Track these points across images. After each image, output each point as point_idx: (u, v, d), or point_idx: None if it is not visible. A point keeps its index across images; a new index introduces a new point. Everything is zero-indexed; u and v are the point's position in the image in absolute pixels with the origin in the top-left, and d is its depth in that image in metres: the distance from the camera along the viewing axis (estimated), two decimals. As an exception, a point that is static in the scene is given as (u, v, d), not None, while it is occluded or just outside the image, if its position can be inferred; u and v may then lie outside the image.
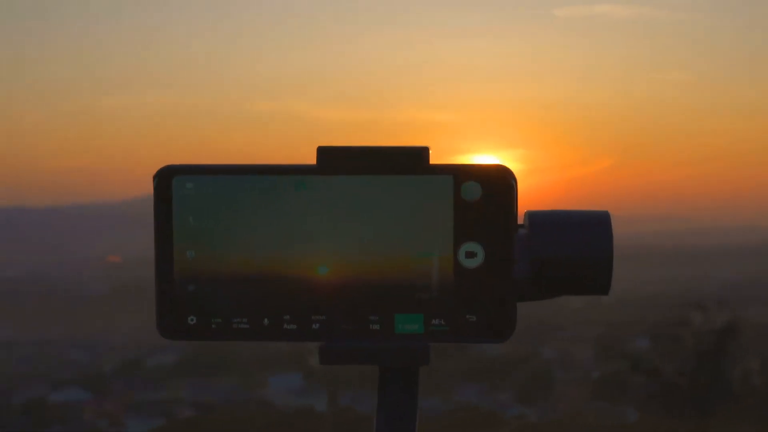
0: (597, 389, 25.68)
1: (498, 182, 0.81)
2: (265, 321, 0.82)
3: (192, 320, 0.83)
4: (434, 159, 0.82)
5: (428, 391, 26.03)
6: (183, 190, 0.82)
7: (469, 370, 30.88)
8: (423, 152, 0.81)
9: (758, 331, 25.11)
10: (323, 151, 0.82)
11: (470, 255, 0.81)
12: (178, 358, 34.97)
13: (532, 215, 0.83)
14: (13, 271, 73.52)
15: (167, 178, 0.82)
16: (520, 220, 0.83)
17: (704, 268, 65.25)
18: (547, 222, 0.82)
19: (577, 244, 0.82)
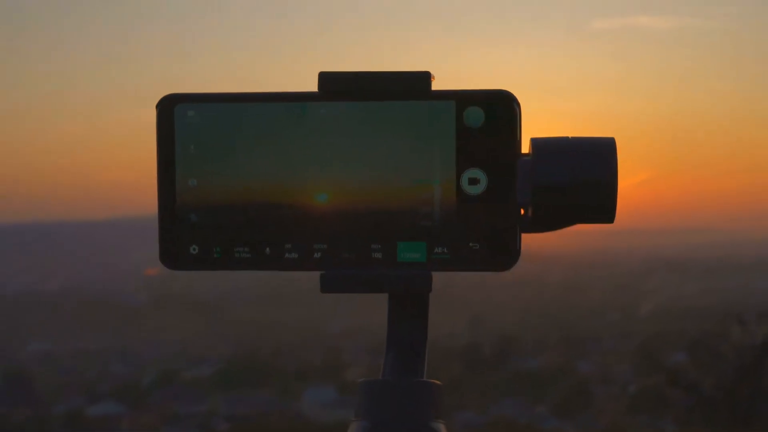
0: (634, 403, 25.53)
1: (501, 107, 0.79)
2: (267, 250, 0.81)
3: (194, 250, 0.82)
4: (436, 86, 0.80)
5: (466, 404, 25.92)
6: (185, 119, 0.81)
7: (506, 383, 30.76)
8: (425, 77, 0.79)
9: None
10: (325, 77, 0.80)
11: (473, 182, 0.79)
12: (215, 370, 35.10)
13: (536, 142, 0.81)
14: (53, 284, 74.20)
15: (169, 106, 0.81)
16: (525, 148, 0.81)
17: (746, 280, 64.61)
18: (551, 148, 0.80)
19: (580, 170, 0.79)
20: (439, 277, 0.81)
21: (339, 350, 38.66)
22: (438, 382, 0.81)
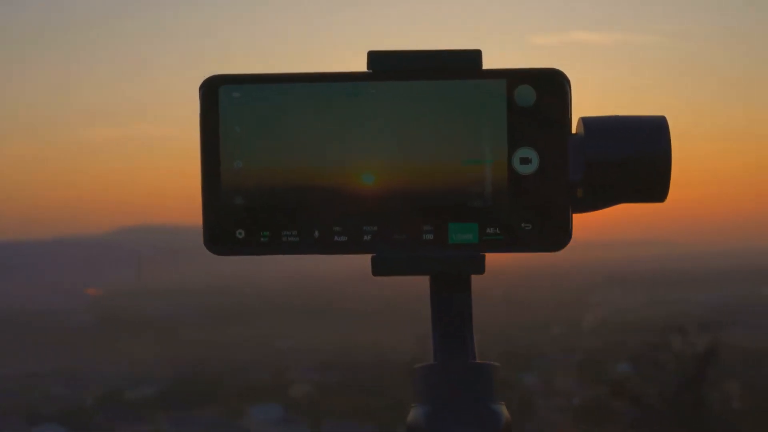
0: (578, 415, 25.67)
1: (552, 86, 0.78)
2: (316, 233, 0.79)
3: (240, 234, 0.80)
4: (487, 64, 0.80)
5: (398, 417, 25.89)
6: (229, 100, 0.79)
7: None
8: (476, 55, 0.78)
9: (740, 355, 25.16)
10: (375, 57, 0.79)
11: (525, 161, 0.78)
12: (160, 390, 34.75)
13: (587, 120, 0.80)
14: (-7, 306, 72.98)
15: (213, 87, 0.79)
16: (575, 128, 0.81)
17: (687, 292, 65.43)
18: (602, 126, 0.80)
19: (632, 148, 0.79)
20: (490, 259, 0.80)
21: (285, 368, 38.47)
22: (496, 363, 0.81)
